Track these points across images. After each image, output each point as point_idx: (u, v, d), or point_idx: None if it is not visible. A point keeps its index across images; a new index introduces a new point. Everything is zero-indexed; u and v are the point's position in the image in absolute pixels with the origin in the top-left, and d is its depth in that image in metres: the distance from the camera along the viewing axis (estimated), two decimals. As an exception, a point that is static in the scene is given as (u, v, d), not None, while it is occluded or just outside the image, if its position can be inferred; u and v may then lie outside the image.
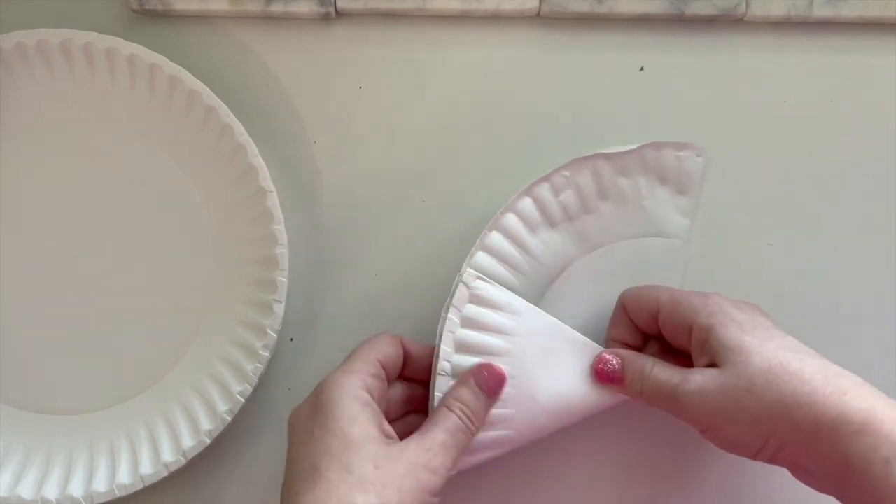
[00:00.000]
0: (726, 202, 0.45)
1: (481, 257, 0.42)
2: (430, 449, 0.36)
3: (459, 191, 0.45)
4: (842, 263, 0.46)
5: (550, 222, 0.44)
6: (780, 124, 0.45)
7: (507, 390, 0.40)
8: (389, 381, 0.40)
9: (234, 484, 0.45)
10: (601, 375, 0.41)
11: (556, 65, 0.45)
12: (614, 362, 0.40)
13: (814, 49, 0.45)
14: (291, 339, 0.45)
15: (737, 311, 0.39)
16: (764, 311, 0.40)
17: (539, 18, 0.45)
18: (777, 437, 0.35)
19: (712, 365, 0.38)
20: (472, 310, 0.41)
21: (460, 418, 0.38)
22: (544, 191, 0.43)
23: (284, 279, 0.42)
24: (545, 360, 0.41)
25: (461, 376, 0.40)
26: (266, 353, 0.42)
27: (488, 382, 0.40)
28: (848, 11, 0.44)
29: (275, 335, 0.42)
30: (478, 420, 0.39)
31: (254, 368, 0.42)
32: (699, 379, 0.37)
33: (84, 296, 0.44)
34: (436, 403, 0.40)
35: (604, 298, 0.43)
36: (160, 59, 0.42)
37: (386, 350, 0.40)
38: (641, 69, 0.45)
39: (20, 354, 0.44)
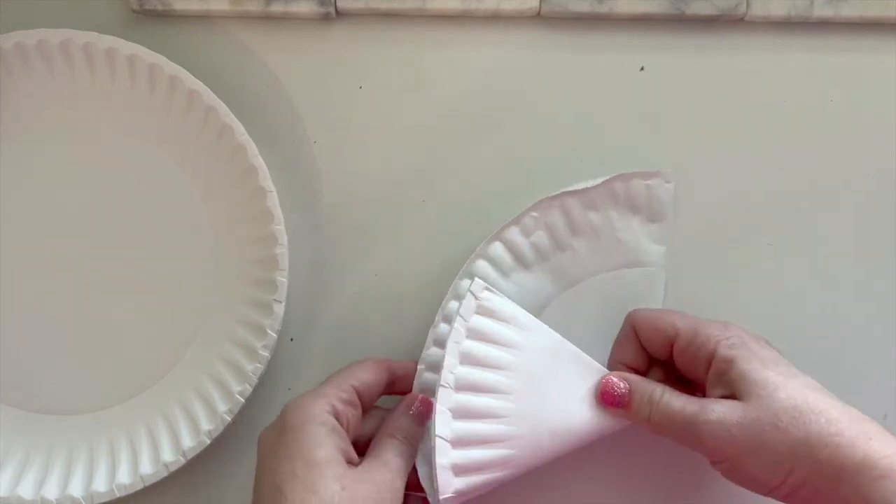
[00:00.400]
0: (726, 202, 0.45)
1: (455, 305, 0.42)
2: (392, 472, 0.38)
3: (459, 191, 0.45)
4: (842, 263, 0.46)
5: (524, 264, 0.44)
6: (780, 124, 0.45)
7: (510, 406, 0.40)
8: (366, 406, 0.41)
9: (234, 484, 0.45)
10: (607, 399, 0.40)
11: (556, 65, 0.45)
12: (622, 386, 0.40)
13: (814, 49, 0.45)
14: (291, 339, 0.45)
15: (758, 345, 0.38)
16: (772, 346, 0.40)
17: (539, 18, 0.45)
18: (796, 475, 0.35)
19: (730, 397, 0.37)
20: (479, 321, 0.41)
21: (403, 443, 0.39)
22: (514, 234, 0.43)
23: (284, 279, 0.42)
24: (550, 378, 0.40)
25: (397, 406, 0.40)
26: (266, 353, 0.42)
27: (422, 413, 0.40)
28: (848, 11, 0.44)
29: (275, 335, 0.42)
30: (415, 445, 0.40)
31: (254, 368, 0.42)
32: (721, 410, 0.37)
33: (84, 296, 0.44)
34: (439, 419, 0.40)
35: (586, 333, 0.43)
36: (160, 59, 0.42)
37: (363, 376, 0.40)
38: (641, 69, 0.45)
39: (20, 354, 0.44)
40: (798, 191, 0.45)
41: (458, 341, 0.40)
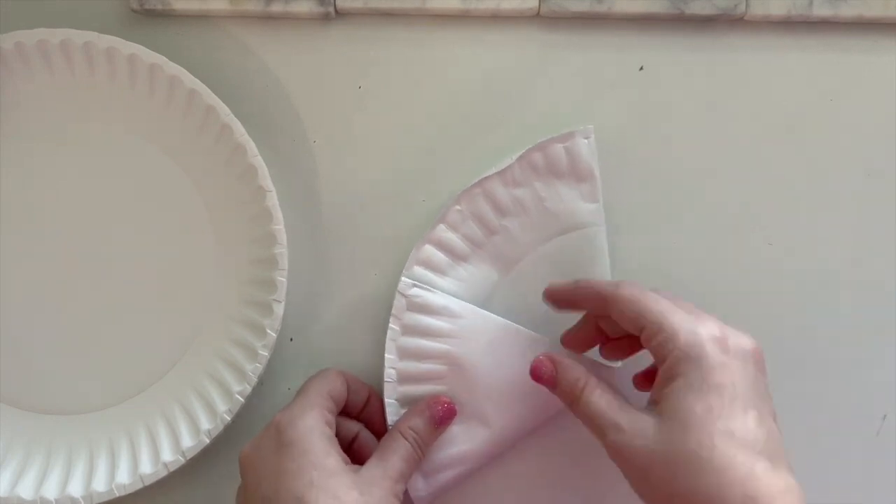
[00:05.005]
0: (726, 201, 0.45)
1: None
2: (395, 477, 0.39)
3: (459, 190, 0.45)
4: (842, 263, 0.46)
5: (460, 257, 0.44)
6: (779, 124, 0.45)
7: (450, 389, 0.42)
8: (336, 412, 0.41)
9: (233, 484, 0.45)
10: (536, 377, 0.40)
11: (556, 65, 0.45)
12: (547, 367, 0.40)
13: (814, 49, 0.45)
14: (291, 339, 0.45)
15: (710, 365, 0.35)
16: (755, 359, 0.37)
17: (539, 18, 0.45)
18: None
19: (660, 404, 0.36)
20: (411, 317, 0.43)
21: (413, 447, 0.40)
22: (442, 231, 0.44)
23: (284, 279, 0.42)
24: (489, 357, 0.42)
25: (417, 405, 0.42)
26: (266, 353, 0.42)
27: (441, 416, 0.41)
28: (848, 11, 0.44)
29: (275, 335, 0.42)
30: (425, 448, 0.41)
31: (254, 368, 0.42)
32: (629, 436, 0.35)
33: (84, 296, 0.44)
34: (388, 410, 0.42)
35: (539, 309, 0.43)
36: (160, 59, 0.42)
37: (334, 384, 0.41)
38: (641, 69, 0.45)
39: (20, 354, 0.44)
40: (798, 190, 0.46)
41: (394, 339, 0.43)
